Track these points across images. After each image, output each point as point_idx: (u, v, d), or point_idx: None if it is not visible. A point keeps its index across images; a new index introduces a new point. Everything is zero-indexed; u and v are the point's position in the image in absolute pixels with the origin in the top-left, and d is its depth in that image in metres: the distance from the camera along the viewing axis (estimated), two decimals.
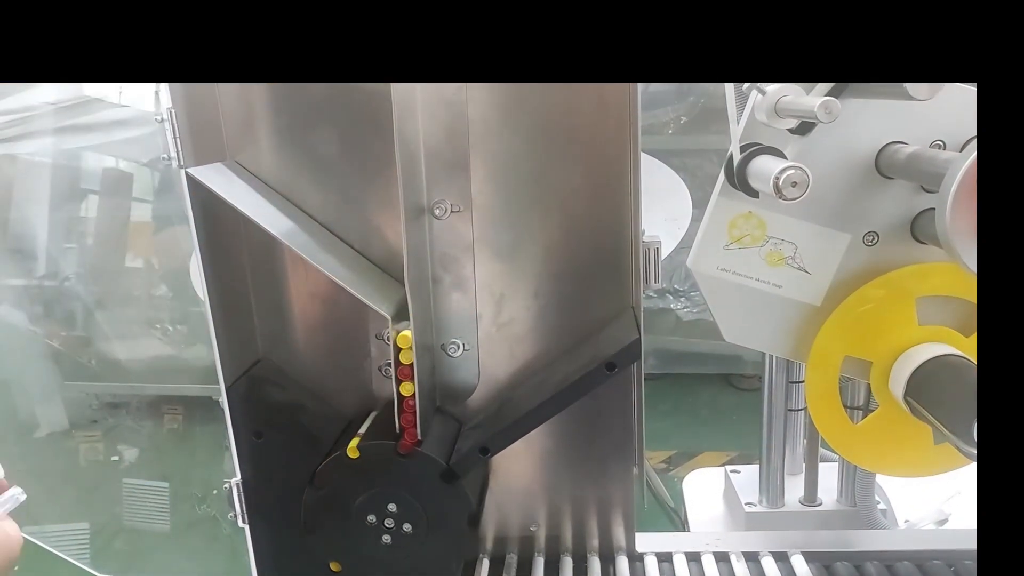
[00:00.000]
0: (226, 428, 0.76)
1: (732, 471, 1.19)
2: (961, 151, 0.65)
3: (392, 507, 0.75)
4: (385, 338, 0.77)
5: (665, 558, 0.84)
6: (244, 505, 0.78)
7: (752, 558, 0.82)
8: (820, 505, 1.09)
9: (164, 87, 0.67)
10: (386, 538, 0.76)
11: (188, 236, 0.70)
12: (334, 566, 0.78)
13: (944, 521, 1.11)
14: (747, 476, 1.16)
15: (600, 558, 0.83)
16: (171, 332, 2.97)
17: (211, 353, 0.73)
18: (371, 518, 0.75)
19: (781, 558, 0.82)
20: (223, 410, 0.75)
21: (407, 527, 0.75)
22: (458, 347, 0.78)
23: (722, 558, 0.83)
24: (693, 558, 0.83)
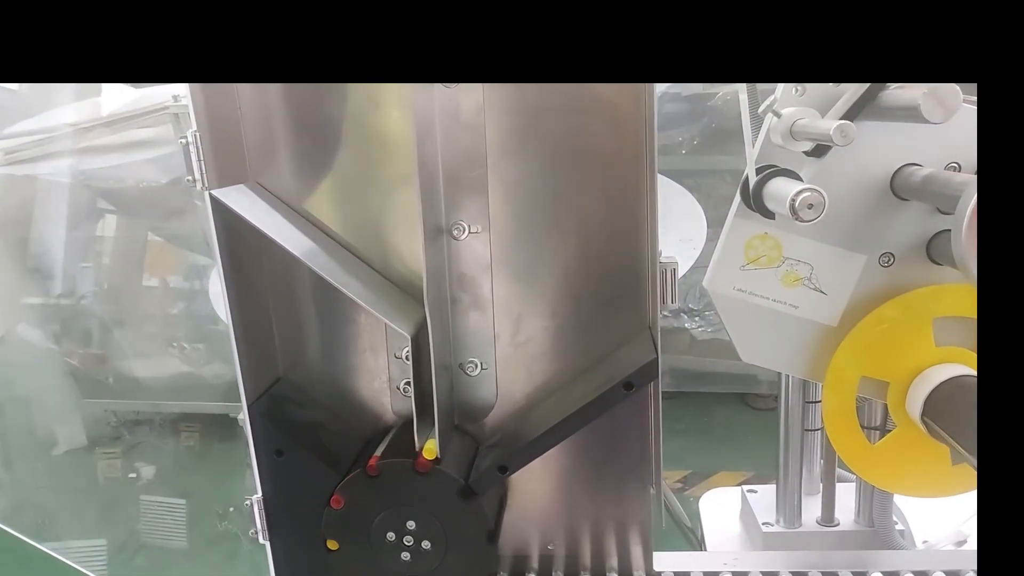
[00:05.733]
0: (246, 445, 0.76)
1: (749, 491, 1.18)
2: (976, 173, 0.66)
3: (411, 525, 0.75)
4: (404, 357, 0.78)
5: None
6: (265, 522, 0.79)
7: None
8: (838, 525, 1.08)
9: (190, 109, 0.68)
10: (405, 555, 0.76)
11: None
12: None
13: (963, 542, 1.10)
14: (764, 496, 1.15)
15: None
16: (188, 350, 2.99)
17: (229, 371, 0.74)
18: (390, 535, 0.76)
19: None
20: (244, 428, 0.76)
21: (426, 544, 0.76)
22: (476, 366, 0.79)
23: None
24: None
